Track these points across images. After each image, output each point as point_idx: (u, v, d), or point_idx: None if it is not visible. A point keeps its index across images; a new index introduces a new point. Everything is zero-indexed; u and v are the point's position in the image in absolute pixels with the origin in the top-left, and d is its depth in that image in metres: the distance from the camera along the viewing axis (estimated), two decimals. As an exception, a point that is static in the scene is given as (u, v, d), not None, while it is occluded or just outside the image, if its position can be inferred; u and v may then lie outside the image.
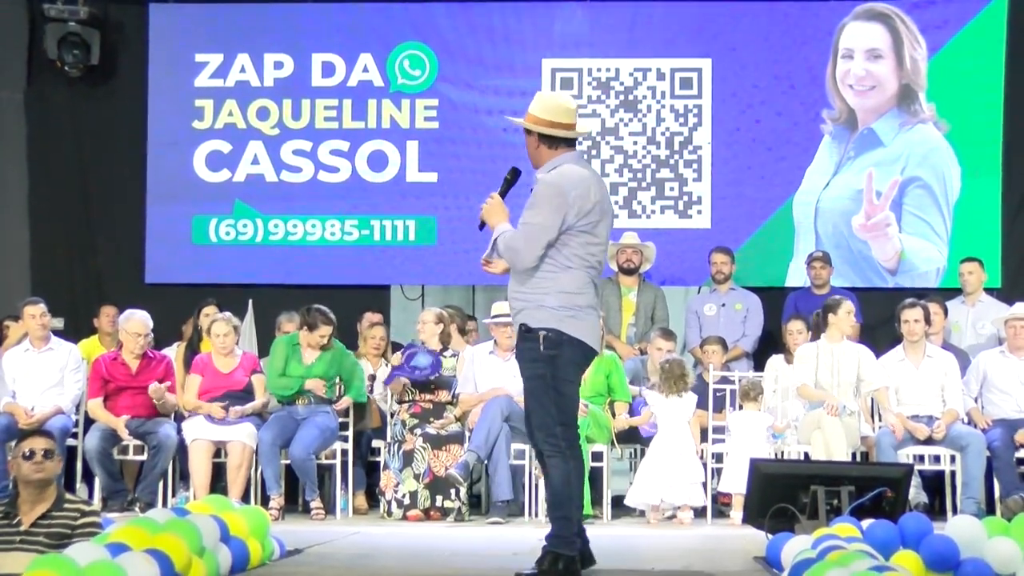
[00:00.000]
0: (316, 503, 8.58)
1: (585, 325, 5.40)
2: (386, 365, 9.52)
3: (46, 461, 5.36)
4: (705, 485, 8.50)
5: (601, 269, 5.55)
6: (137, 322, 8.90)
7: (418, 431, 8.63)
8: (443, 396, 8.85)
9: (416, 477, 8.51)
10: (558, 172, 5.41)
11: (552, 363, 5.36)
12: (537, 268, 5.40)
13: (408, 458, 8.56)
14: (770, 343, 9.82)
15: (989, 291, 10.00)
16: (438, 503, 8.45)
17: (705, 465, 8.63)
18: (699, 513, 8.49)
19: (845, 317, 8.61)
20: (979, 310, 9.70)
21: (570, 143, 5.52)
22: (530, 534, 6.04)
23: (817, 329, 8.75)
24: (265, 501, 8.47)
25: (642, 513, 8.57)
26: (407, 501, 8.49)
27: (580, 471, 5.49)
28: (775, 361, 9.12)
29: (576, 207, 5.33)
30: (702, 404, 8.86)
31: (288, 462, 8.60)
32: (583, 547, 5.53)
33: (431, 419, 8.70)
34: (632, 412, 8.89)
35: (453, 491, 8.45)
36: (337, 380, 8.85)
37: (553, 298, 5.36)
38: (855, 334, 9.02)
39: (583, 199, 5.35)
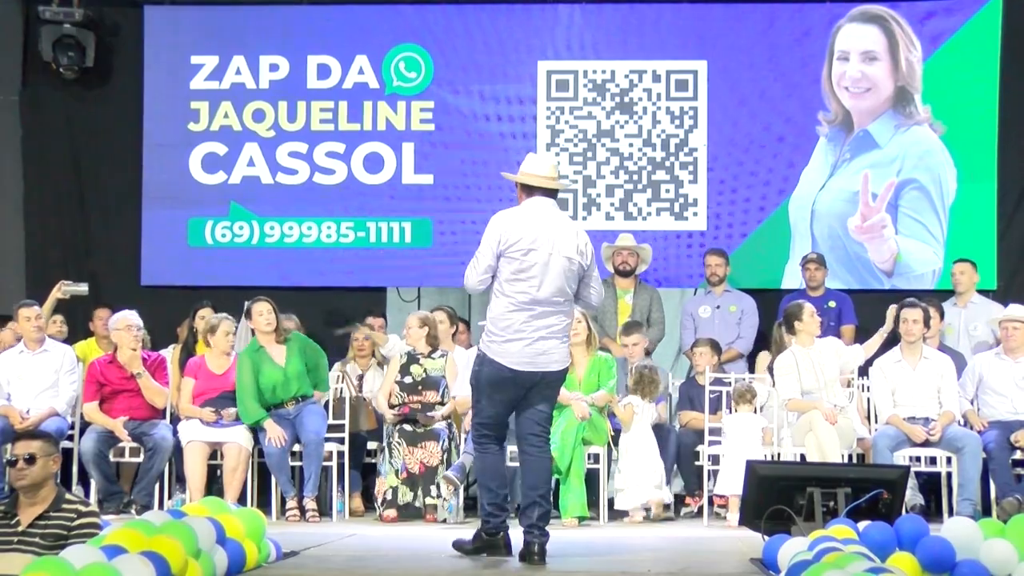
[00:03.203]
0: (311, 503, 8.50)
1: (505, 349, 6.16)
2: (376, 366, 9.52)
3: (28, 467, 5.33)
4: (702, 486, 8.53)
5: (533, 302, 6.13)
6: (123, 318, 8.88)
7: (397, 428, 8.64)
8: (431, 397, 8.84)
9: (396, 473, 8.51)
10: (503, 210, 6.33)
11: (476, 377, 6.31)
12: (488, 298, 6.31)
13: (390, 454, 8.57)
14: (765, 345, 9.80)
15: (984, 293, 9.99)
16: (417, 501, 8.44)
17: (702, 467, 8.67)
18: (696, 515, 8.49)
19: (810, 320, 8.60)
20: (971, 312, 9.68)
21: (545, 192, 6.29)
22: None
23: (780, 342, 8.74)
24: (265, 504, 8.45)
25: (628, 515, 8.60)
26: (388, 497, 8.48)
27: (491, 464, 6.32)
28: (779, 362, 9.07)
29: (503, 236, 6.13)
30: (698, 406, 8.89)
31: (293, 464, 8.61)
32: (498, 531, 6.31)
33: (417, 418, 8.71)
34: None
35: (433, 488, 8.42)
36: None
37: (488, 323, 6.25)
38: (819, 330, 8.92)
39: (509, 229, 6.14)
